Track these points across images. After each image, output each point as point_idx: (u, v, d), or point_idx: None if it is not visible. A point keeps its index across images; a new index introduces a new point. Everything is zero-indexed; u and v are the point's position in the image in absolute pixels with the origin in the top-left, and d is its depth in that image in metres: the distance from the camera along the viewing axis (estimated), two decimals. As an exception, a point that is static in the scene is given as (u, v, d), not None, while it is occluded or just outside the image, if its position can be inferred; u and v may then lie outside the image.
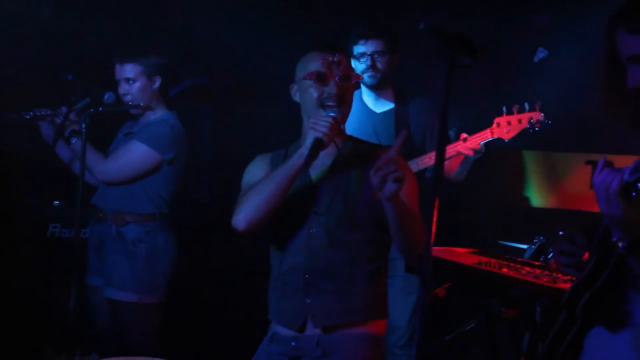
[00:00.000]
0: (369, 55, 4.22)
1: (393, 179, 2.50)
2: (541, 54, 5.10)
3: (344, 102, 2.86)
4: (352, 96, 2.93)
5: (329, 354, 2.79)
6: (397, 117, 4.26)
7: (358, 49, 4.24)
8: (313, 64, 2.86)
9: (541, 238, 3.91)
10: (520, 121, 3.97)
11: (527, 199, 5.42)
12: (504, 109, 3.99)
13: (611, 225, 2.08)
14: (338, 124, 2.82)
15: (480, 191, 5.10)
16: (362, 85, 4.36)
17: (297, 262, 2.84)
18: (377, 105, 4.37)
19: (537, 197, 5.39)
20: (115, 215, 4.14)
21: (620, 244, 2.04)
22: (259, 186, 2.81)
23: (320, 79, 2.84)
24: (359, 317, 2.83)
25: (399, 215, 2.63)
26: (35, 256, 4.56)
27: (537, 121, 3.95)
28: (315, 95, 2.84)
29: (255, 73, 5.28)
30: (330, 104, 2.83)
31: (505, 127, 3.98)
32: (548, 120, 3.94)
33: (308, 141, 2.76)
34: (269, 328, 2.97)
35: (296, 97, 2.95)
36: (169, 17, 5.20)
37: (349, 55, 4.28)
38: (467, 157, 4.10)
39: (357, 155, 2.91)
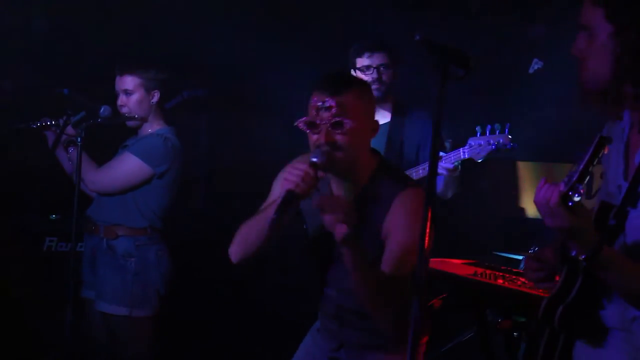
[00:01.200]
0: (374, 67, 4.20)
1: (339, 222, 2.44)
2: (536, 65, 5.10)
3: (337, 149, 2.64)
4: (352, 140, 2.66)
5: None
6: (390, 131, 4.26)
7: (363, 61, 4.21)
8: (309, 106, 2.68)
9: (537, 249, 3.91)
10: (489, 143, 3.99)
11: (522, 210, 5.44)
12: (478, 129, 4.01)
13: (566, 241, 2.09)
14: (316, 171, 2.59)
15: (475, 202, 5.11)
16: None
17: (329, 292, 2.86)
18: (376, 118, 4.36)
19: (532, 207, 5.39)
20: (107, 228, 4.14)
21: (580, 258, 2.03)
22: (248, 227, 2.79)
23: (310, 126, 2.66)
24: (392, 349, 2.82)
25: (352, 269, 2.53)
26: (32, 270, 4.56)
27: (503, 144, 3.97)
28: (311, 138, 2.70)
29: (252, 85, 5.29)
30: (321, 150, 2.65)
31: (477, 148, 4.00)
32: (513, 144, 3.96)
33: (281, 193, 2.59)
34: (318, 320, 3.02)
35: None
36: (166, 30, 5.21)
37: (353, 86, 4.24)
38: (443, 175, 4.10)
39: (379, 192, 2.74)
